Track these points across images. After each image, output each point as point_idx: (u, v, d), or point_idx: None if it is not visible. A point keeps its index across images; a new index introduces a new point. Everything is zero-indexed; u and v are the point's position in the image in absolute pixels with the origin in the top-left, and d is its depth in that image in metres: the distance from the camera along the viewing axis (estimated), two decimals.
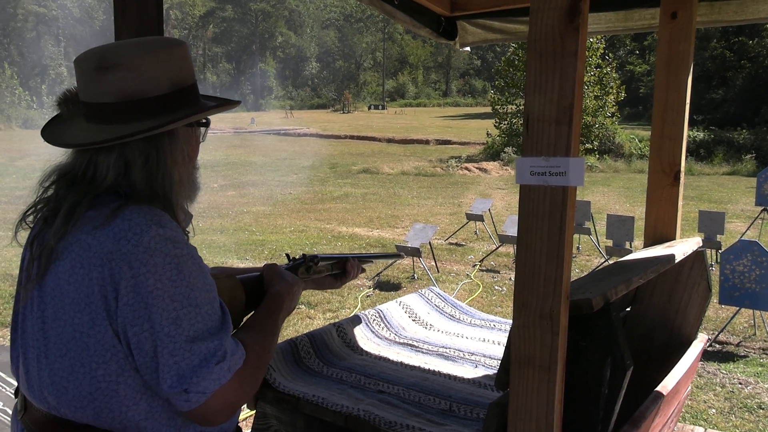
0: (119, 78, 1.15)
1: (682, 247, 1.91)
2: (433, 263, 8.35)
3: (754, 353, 5.44)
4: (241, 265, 8.29)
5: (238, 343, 1.18)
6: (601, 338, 1.32)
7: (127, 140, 1.15)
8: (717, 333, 5.80)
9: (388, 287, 7.41)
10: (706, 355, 5.37)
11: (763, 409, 4.32)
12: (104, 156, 1.17)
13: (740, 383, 4.77)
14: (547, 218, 1.27)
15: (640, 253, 1.99)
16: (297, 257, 1.66)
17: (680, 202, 2.14)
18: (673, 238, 2.14)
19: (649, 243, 2.18)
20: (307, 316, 6.32)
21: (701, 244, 2.04)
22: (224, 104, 1.32)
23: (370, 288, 7.37)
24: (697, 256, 1.98)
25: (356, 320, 2.27)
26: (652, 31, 2.34)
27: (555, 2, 1.23)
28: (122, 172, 1.17)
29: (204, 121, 1.30)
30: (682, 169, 2.14)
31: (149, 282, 1.07)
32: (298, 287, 1.48)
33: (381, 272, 7.95)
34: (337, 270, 1.77)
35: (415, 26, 2.68)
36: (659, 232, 2.15)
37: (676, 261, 1.82)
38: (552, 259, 1.27)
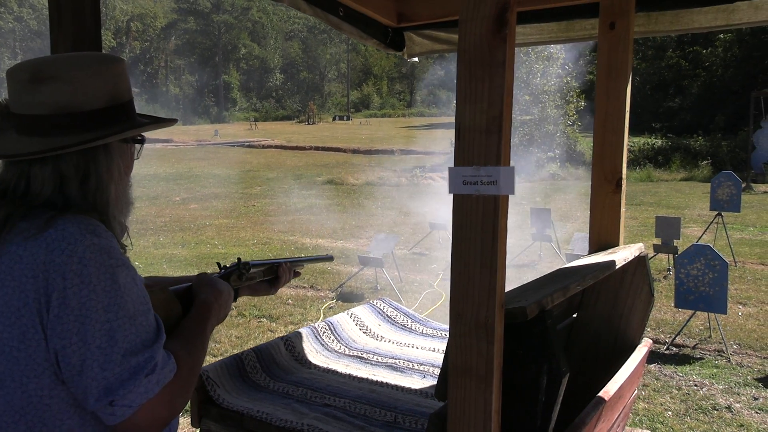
0: (54, 90, 1.14)
1: (624, 253, 1.94)
2: (397, 273, 8.34)
3: (710, 355, 5.55)
4: None
5: (170, 355, 1.16)
6: (537, 346, 1.33)
7: (61, 152, 1.14)
8: (674, 336, 5.90)
9: (351, 298, 7.38)
10: (664, 359, 5.46)
11: (717, 410, 4.40)
12: (38, 169, 1.15)
13: (696, 385, 4.86)
14: (479, 227, 1.28)
15: (584, 259, 2.01)
16: (229, 265, 1.66)
17: (623, 209, 2.17)
18: (617, 244, 2.17)
19: (593, 249, 2.21)
20: (268, 329, 6.25)
21: (643, 250, 2.08)
22: (159, 122, 1.32)
23: (333, 300, 7.33)
24: (639, 262, 2.01)
25: (305, 333, 2.25)
26: (593, 40, 2.38)
27: (482, 13, 1.24)
28: (58, 185, 1.16)
29: (139, 138, 1.30)
30: (624, 176, 2.17)
31: (83, 293, 1.05)
32: (228, 294, 1.45)
33: (344, 283, 7.92)
34: (269, 275, 1.76)
35: (362, 37, 2.68)
36: (603, 239, 2.18)
37: (617, 267, 1.84)
38: (486, 268, 1.28)
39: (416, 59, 2.98)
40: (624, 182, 2.17)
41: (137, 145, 1.31)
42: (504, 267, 1.30)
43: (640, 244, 2.13)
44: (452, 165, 1.30)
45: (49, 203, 1.15)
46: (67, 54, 1.24)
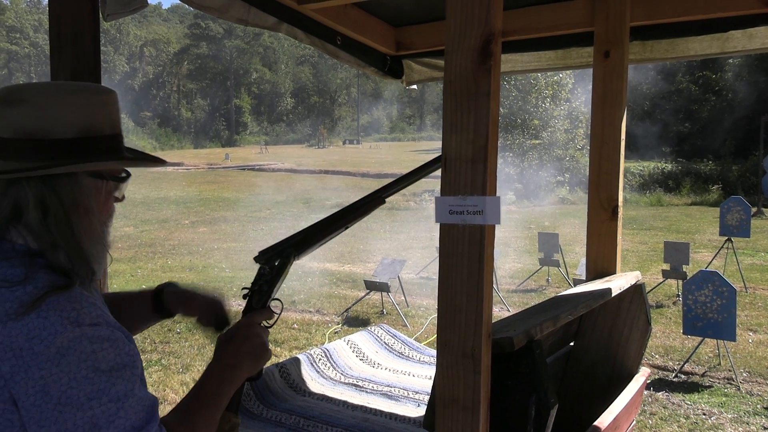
0: (21, 114, 1.12)
1: (620, 281, 1.93)
2: (403, 298, 8.31)
3: (719, 383, 5.47)
4: None
5: (161, 427, 1.10)
6: (525, 376, 1.31)
7: (10, 176, 1.10)
8: (682, 364, 5.82)
9: (357, 323, 7.35)
10: (672, 386, 5.39)
11: None
12: None
13: (704, 414, 4.78)
14: (466, 257, 1.27)
15: (579, 287, 2.00)
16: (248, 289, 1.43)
17: (619, 237, 2.16)
18: (614, 272, 2.16)
19: (591, 277, 2.20)
20: (273, 354, 6.22)
21: (640, 278, 2.06)
22: (142, 159, 1.25)
23: (338, 324, 7.31)
24: (636, 290, 2.00)
25: (302, 360, 2.24)
26: (589, 68, 2.39)
27: (467, 45, 1.25)
28: (10, 212, 1.11)
29: (124, 174, 1.23)
30: (620, 203, 2.17)
31: (63, 381, 1.02)
32: (237, 337, 1.32)
33: (350, 308, 7.90)
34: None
35: (360, 65, 2.71)
36: (600, 267, 2.16)
37: (612, 295, 1.83)
38: (472, 297, 1.27)
39: (415, 86, 3.01)
40: (620, 210, 2.17)
41: (120, 183, 1.23)
42: (491, 296, 1.29)
43: (637, 272, 2.12)
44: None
45: (5, 232, 1.11)
46: (46, 81, 1.21)
